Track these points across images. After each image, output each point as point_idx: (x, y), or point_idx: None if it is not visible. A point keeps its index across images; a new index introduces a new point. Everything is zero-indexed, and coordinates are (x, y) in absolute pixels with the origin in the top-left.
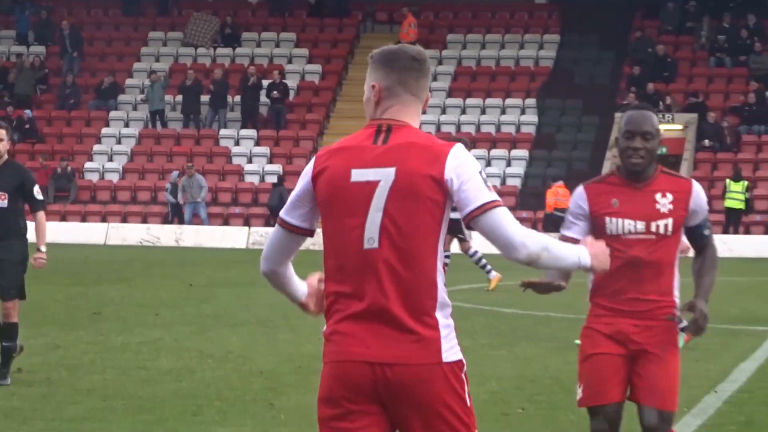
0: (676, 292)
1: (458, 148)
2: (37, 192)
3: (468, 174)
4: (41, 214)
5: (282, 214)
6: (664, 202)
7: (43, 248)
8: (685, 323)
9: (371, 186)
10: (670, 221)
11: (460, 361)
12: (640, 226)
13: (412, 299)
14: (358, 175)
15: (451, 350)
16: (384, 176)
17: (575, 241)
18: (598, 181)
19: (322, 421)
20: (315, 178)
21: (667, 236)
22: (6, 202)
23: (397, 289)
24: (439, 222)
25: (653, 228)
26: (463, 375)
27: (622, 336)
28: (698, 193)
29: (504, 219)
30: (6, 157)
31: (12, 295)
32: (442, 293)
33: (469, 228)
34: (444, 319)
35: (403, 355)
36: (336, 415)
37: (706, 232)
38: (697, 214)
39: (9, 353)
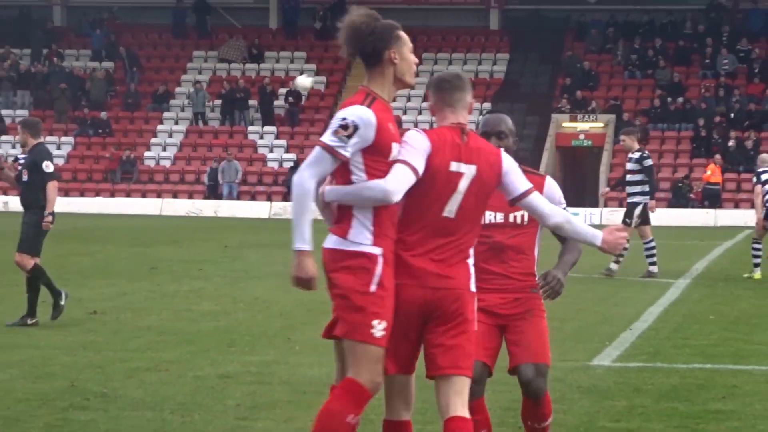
0: (536, 271)
1: (503, 152)
2: (46, 166)
3: (514, 168)
4: (50, 184)
5: (413, 163)
6: None
7: (48, 212)
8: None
9: (459, 175)
10: (525, 213)
11: (475, 292)
12: (500, 216)
13: (460, 250)
14: (454, 166)
15: (473, 284)
16: (468, 170)
17: None
18: None
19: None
20: (429, 156)
21: (524, 225)
22: (27, 177)
23: (453, 244)
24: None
25: (510, 219)
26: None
27: (491, 309)
28: (550, 186)
29: (538, 199)
30: (31, 144)
31: (20, 248)
32: (472, 248)
33: (513, 204)
34: (471, 264)
35: (448, 283)
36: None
37: None
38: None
39: (51, 289)
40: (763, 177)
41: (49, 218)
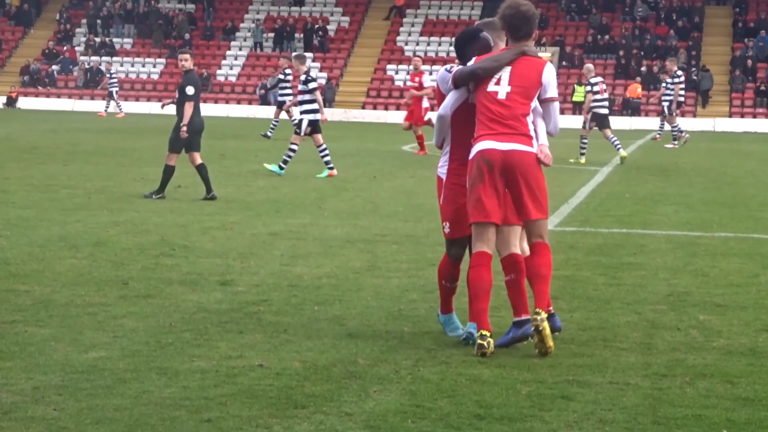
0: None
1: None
2: (188, 90)
3: None
4: (187, 104)
5: None
6: None
7: (183, 124)
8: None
9: None
10: None
11: None
12: None
13: None
14: None
15: None
16: None
17: None
18: None
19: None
20: None
21: None
22: (177, 94)
23: None
24: None
25: None
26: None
27: None
28: None
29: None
30: (185, 70)
31: (168, 147)
32: None
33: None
34: None
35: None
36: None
37: None
38: None
39: (206, 179)
40: (596, 88)
41: (184, 128)
